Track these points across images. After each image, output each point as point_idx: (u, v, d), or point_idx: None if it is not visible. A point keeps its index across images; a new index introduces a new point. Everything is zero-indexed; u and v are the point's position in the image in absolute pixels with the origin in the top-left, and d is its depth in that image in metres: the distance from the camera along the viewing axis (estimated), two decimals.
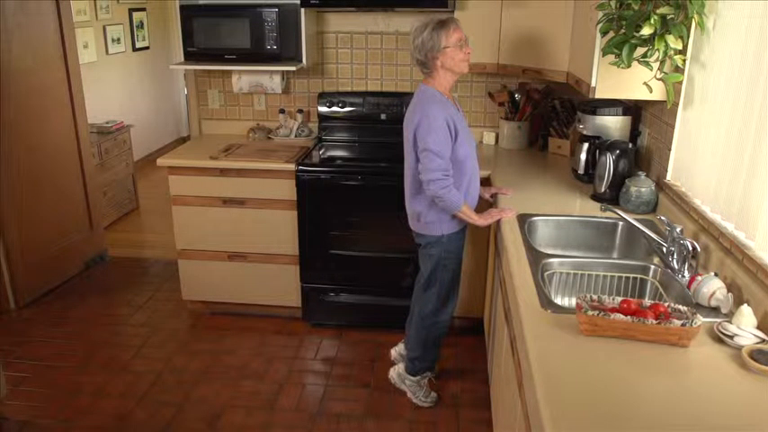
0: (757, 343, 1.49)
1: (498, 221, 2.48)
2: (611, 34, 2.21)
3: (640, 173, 2.50)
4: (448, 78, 2.48)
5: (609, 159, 2.56)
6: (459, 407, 2.86)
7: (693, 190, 2.16)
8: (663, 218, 2.14)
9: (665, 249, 2.00)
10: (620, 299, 1.64)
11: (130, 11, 6.50)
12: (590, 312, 1.55)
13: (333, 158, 3.42)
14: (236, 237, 3.41)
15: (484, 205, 2.67)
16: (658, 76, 2.20)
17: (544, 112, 3.52)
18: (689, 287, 1.77)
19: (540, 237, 2.40)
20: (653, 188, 2.45)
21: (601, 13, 2.24)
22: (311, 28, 3.52)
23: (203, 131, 3.92)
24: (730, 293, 1.68)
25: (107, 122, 5.11)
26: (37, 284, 3.86)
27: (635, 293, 2.01)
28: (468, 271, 3.21)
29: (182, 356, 3.25)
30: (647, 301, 1.63)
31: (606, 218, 2.40)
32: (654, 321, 1.52)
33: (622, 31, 2.16)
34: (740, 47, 1.83)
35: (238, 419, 2.77)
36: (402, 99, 3.57)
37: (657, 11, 2.05)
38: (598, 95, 2.43)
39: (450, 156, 2.44)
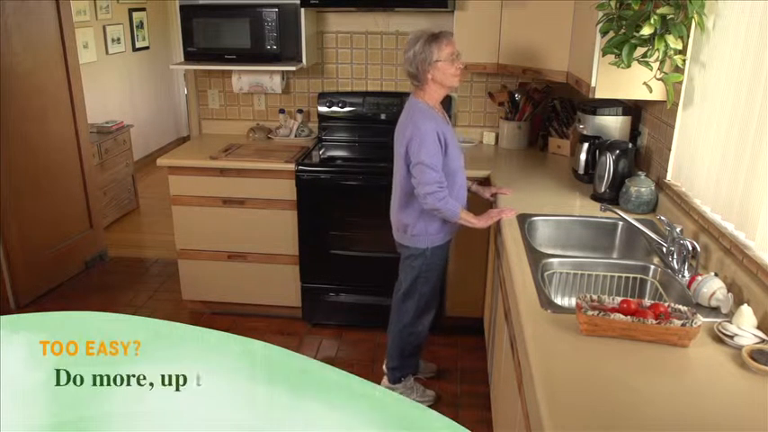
0: (757, 343, 1.49)
1: (498, 222, 2.48)
2: (611, 34, 2.21)
3: (640, 173, 2.50)
4: (438, 91, 2.48)
5: (609, 159, 2.55)
6: (459, 407, 2.86)
7: (693, 190, 2.16)
8: (663, 218, 2.14)
9: (665, 249, 2.00)
10: (620, 299, 1.64)
11: (130, 11, 6.49)
12: (590, 312, 1.55)
13: (333, 158, 3.42)
14: (236, 237, 3.41)
15: (484, 205, 2.67)
16: (658, 76, 2.21)
17: (544, 112, 3.52)
18: (689, 287, 1.77)
19: (540, 237, 2.40)
20: (653, 188, 2.45)
21: (601, 13, 2.24)
22: (311, 28, 3.52)
23: (203, 131, 3.92)
24: (730, 293, 1.68)
25: (107, 122, 5.10)
26: (37, 284, 3.86)
27: (635, 293, 2.01)
28: (469, 271, 3.21)
29: None
30: (647, 301, 1.63)
31: (606, 218, 2.40)
32: (654, 321, 1.52)
33: (622, 31, 2.16)
34: (740, 47, 1.83)
35: None
36: (402, 99, 3.56)
37: (657, 11, 2.05)
38: (598, 95, 2.43)
39: (442, 168, 2.44)
